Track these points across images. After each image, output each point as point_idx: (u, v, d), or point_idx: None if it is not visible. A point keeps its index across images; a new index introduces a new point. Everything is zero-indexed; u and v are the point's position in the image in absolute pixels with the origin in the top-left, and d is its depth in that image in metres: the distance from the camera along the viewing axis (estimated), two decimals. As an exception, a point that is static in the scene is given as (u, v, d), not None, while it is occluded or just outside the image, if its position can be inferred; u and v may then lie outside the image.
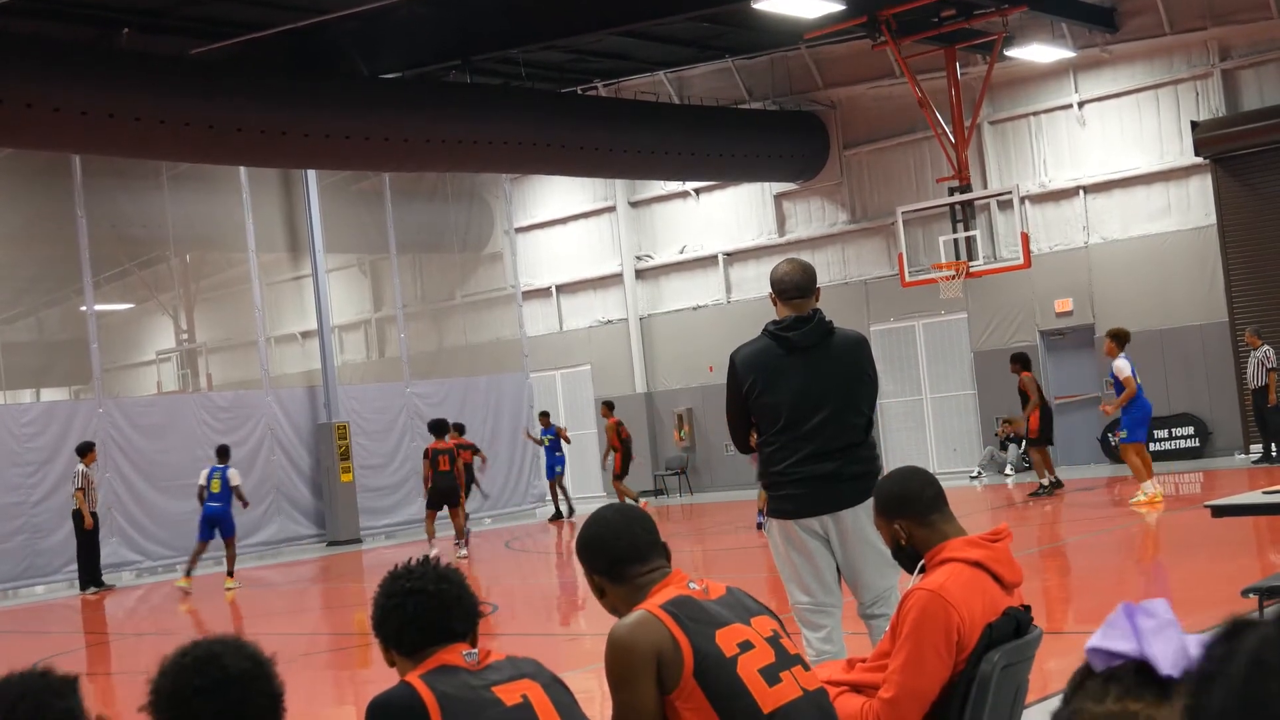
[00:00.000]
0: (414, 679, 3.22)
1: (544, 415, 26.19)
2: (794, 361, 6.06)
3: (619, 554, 3.66)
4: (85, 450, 20.08)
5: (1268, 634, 1.21)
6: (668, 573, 3.65)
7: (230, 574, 19.34)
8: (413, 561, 3.46)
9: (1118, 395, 17.02)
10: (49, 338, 26.67)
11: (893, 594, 6.01)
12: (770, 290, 6.26)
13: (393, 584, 3.40)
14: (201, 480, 19.48)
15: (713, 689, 3.38)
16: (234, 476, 19.21)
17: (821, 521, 6.04)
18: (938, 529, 4.19)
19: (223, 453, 19.72)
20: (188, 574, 19.13)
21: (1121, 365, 16.93)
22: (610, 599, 3.70)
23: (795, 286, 6.15)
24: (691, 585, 3.60)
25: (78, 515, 20.11)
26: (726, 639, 3.45)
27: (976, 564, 4.07)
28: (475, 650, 3.33)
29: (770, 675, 3.44)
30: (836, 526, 6.04)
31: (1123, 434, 17.12)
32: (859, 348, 6.28)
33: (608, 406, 25.38)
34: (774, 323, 6.14)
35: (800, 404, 6.02)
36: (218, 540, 19.17)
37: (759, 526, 6.15)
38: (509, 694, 3.22)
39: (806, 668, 3.58)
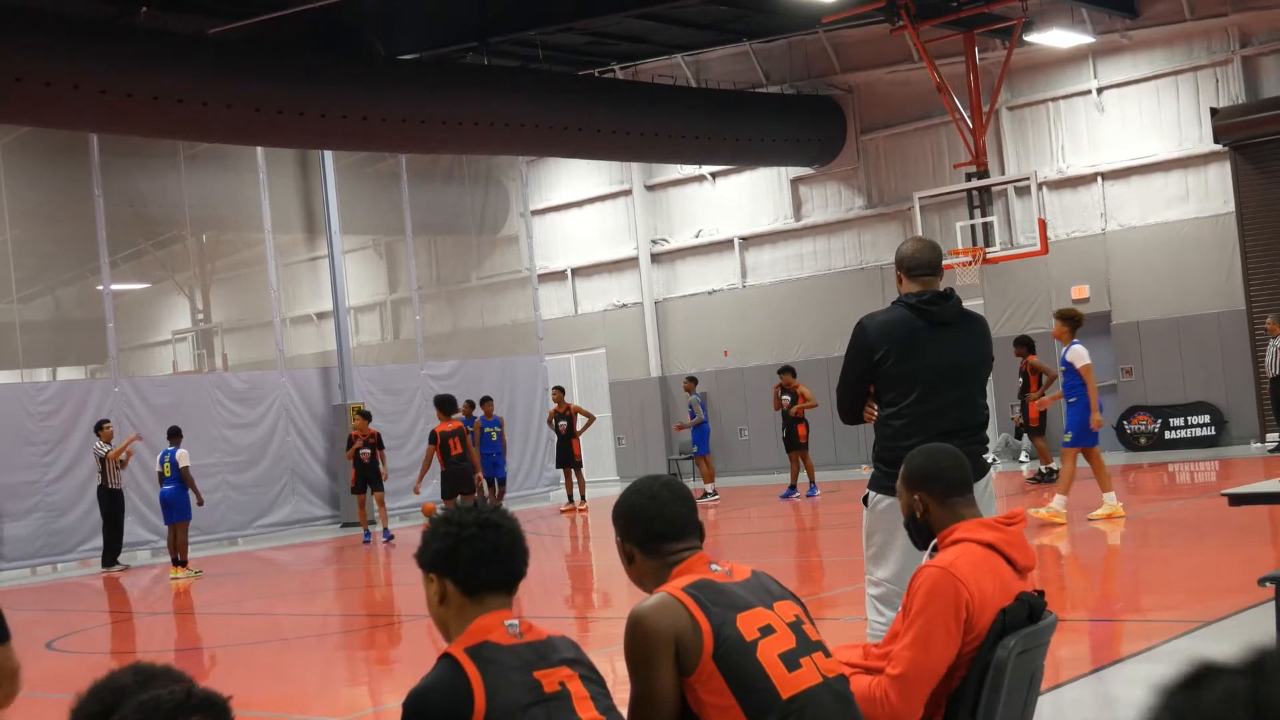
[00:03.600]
0: (459, 653, 3.17)
1: (486, 401, 23.96)
2: (934, 335, 5.97)
3: (658, 529, 3.66)
4: (100, 426, 20.14)
5: (1234, 689, 1.13)
6: (696, 552, 3.65)
7: (176, 563, 18.96)
8: (471, 501, 3.42)
9: (1067, 387, 14.71)
10: (65, 316, 26.73)
11: None
12: (897, 268, 6.21)
13: (464, 515, 3.33)
14: (157, 465, 19.51)
15: (732, 672, 3.37)
16: (182, 458, 18.97)
17: None
18: (956, 511, 4.19)
19: (173, 434, 19.49)
20: (175, 563, 18.96)
21: (1080, 351, 14.66)
22: (637, 569, 3.71)
23: (927, 264, 6.14)
24: (714, 567, 3.60)
25: (101, 491, 20.18)
26: (747, 623, 3.44)
27: (989, 546, 4.07)
28: (517, 621, 3.28)
29: (790, 660, 3.43)
30: None
31: (1068, 436, 14.70)
32: (987, 330, 6.31)
33: (559, 391, 24.61)
34: (913, 295, 6.05)
35: (937, 379, 5.92)
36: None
37: (865, 501, 5.90)
38: (549, 680, 3.18)
39: (827, 654, 3.57)
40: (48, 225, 24.35)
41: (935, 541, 4.22)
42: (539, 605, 13.36)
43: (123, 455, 20.24)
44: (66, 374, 26.89)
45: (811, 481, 21.35)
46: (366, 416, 22.13)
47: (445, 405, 19.25)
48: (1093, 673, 7.85)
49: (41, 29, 17.14)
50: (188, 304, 29.06)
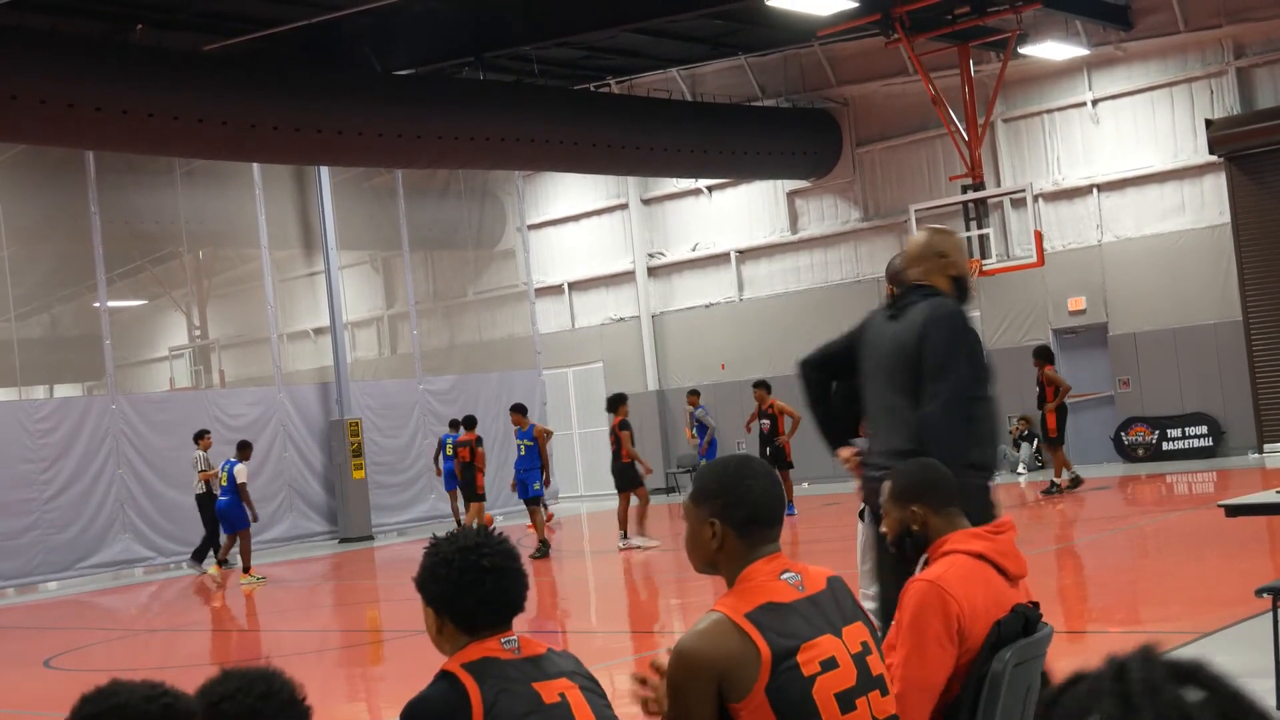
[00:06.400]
0: (456, 669, 3.16)
1: (513, 411, 20.76)
2: None
3: (762, 514, 3.46)
4: (200, 436, 20.43)
5: (1099, 684, 1.33)
6: (776, 549, 3.47)
7: (244, 569, 19.38)
8: (472, 531, 3.35)
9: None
10: (62, 334, 26.74)
11: None
12: (889, 282, 6.21)
13: (465, 558, 3.27)
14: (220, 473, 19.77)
15: (783, 708, 3.25)
16: (239, 473, 19.20)
17: None
18: (953, 521, 4.19)
19: (241, 447, 19.92)
20: (218, 563, 19.33)
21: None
22: (725, 552, 3.44)
23: None
24: (787, 576, 3.41)
25: (201, 498, 20.32)
26: (810, 655, 3.29)
27: (979, 556, 4.06)
28: (515, 637, 3.27)
29: (846, 701, 3.31)
30: None
31: None
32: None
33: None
34: None
35: None
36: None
37: (861, 515, 5.89)
38: (548, 691, 3.17)
39: (884, 692, 3.43)
40: (44, 243, 24.36)
41: (926, 555, 4.22)
42: (533, 622, 13.35)
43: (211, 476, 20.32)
44: (64, 391, 26.88)
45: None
46: (469, 424, 20.67)
47: (610, 402, 19.29)
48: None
49: (36, 47, 17.17)
50: (184, 320, 29.07)
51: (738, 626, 3.28)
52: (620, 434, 18.68)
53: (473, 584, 3.24)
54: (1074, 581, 12.81)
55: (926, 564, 4.19)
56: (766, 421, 20.56)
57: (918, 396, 5.30)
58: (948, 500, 4.23)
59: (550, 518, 23.61)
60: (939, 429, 5.19)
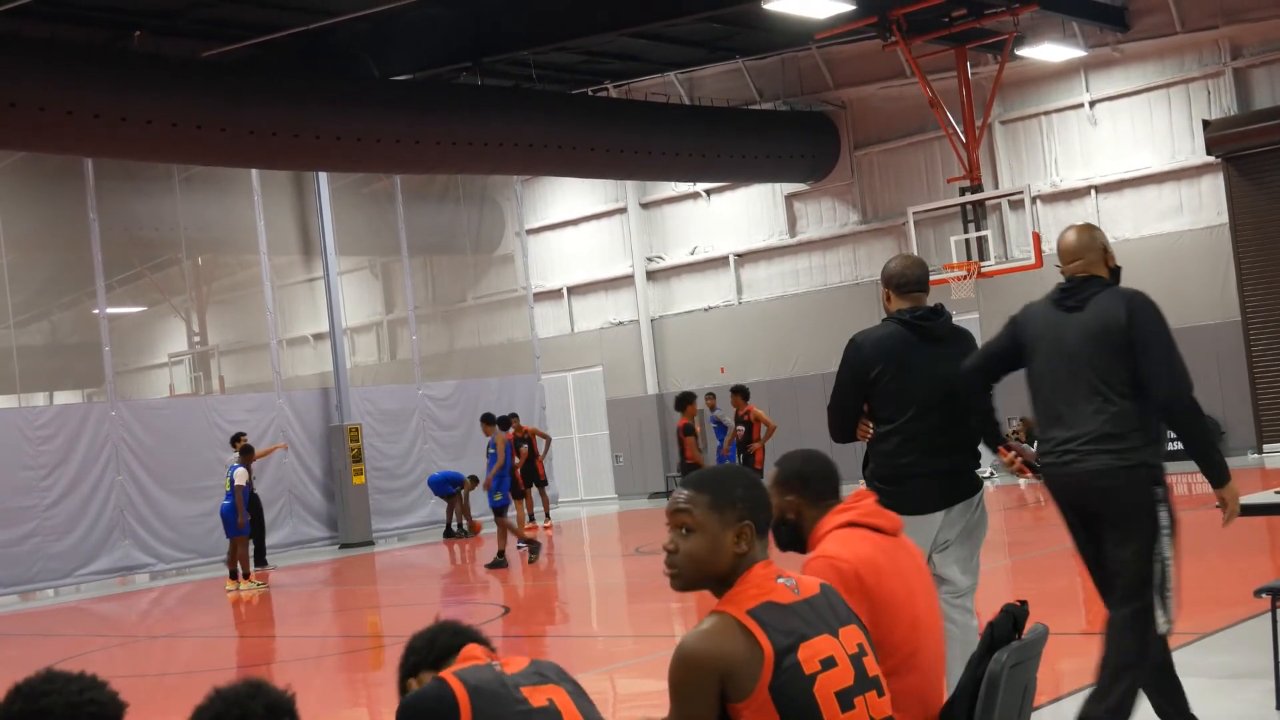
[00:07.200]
0: (445, 675, 3.22)
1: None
2: (927, 351, 6.06)
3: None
4: (236, 439, 20.36)
5: None
6: (767, 557, 3.51)
7: (232, 575, 19.18)
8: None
9: None
10: (62, 341, 26.74)
11: (972, 595, 6.13)
12: (884, 286, 6.29)
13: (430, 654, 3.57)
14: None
15: (786, 706, 3.26)
16: (238, 476, 19.12)
17: (936, 517, 6.01)
18: (827, 512, 4.28)
19: (241, 451, 19.79)
20: (232, 575, 19.14)
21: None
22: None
23: (917, 280, 6.25)
24: (782, 580, 3.44)
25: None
26: (810, 654, 3.31)
27: (850, 524, 4.17)
28: (497, 660, 3.35)
29: (845, 700, 3.33)
30: (945, 518, 6.04)
31: None
32: (974, 344, 6.44)
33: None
34: (905, 311, 6.14)
35: (932, 395, 6.01)
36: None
37: None
38: (536, 696, 3.21)
39: (881, 693, 3.46)
40: (43, 250, 24.38)
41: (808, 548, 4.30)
42: (537, 624, 13.36)
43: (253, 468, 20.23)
44: (63, 398, 26.90)
45: None
46: (502, 426, 20.23)
47: (678, 401, 19.35)
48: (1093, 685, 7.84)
49: (35, 54, 17.18)
50: (184, 327, 29.09)
51: (741, 625, 3.29)
52: (685, 439, 18.81)
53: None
54: (1073, 583, 12.81)
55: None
56: (742, 428, 20.37)
57: (1120, 383, 5.78)
58: (824, 494, 4.31)
59: (477, 528, 23.79)
60: (1190, 408, 5.99)
